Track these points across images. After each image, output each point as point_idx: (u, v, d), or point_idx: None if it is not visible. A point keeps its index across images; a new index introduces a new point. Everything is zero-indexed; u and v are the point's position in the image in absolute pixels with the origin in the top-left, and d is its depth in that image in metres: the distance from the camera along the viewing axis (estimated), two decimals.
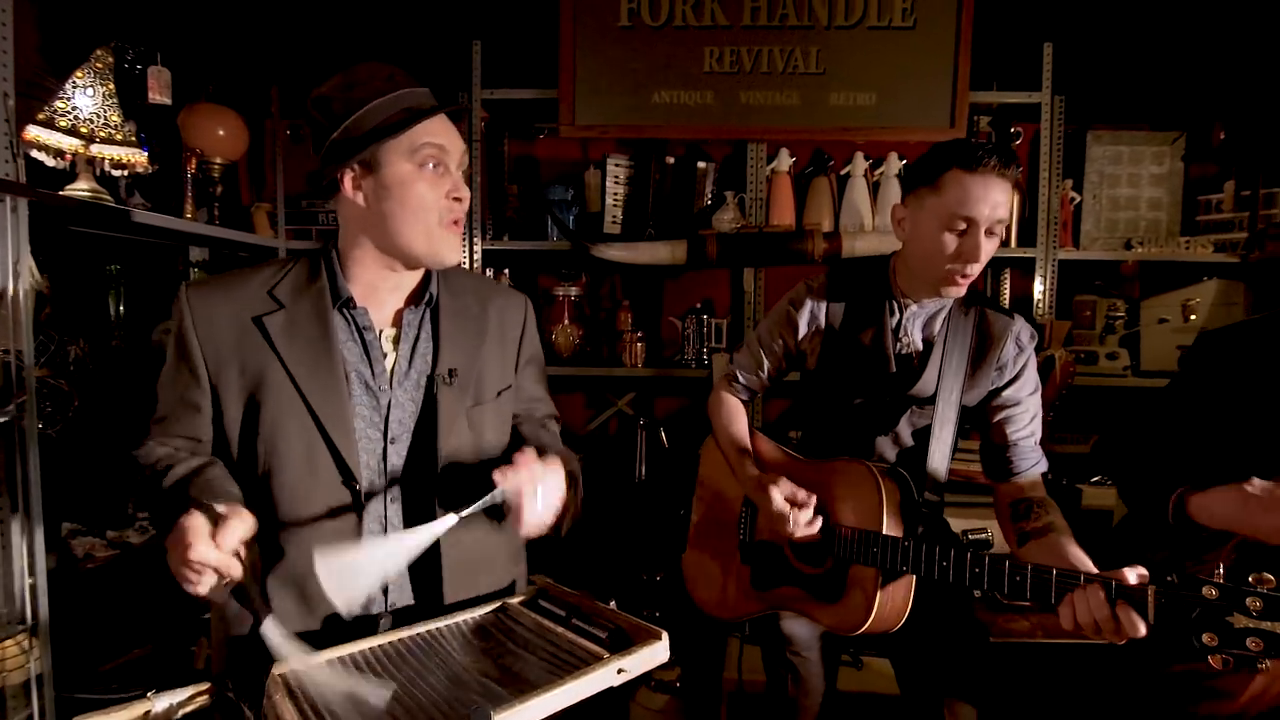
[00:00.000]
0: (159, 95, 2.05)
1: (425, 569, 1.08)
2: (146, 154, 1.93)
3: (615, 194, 2.55)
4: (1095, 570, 1.13)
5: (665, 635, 0.99)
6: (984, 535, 2.37)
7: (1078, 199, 2.48)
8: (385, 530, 1.07)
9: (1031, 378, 1.39)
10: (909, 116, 2.38)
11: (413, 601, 1.10)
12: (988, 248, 1.27)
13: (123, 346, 2.22)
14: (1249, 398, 1.36)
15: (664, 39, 2.43)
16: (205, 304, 1.04)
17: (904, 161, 2.49)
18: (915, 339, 1.40)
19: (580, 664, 0.92)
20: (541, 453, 1.02)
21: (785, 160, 2.49)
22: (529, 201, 2.69)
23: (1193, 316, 2.40)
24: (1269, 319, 1.47)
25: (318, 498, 1.02)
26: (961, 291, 1.33)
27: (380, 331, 1.09)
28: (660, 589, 2.45)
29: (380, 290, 1.09)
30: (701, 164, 2.55)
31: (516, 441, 1.18)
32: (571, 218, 2.59)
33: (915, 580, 1.27)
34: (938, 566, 1.18)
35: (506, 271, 2.77)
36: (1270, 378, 1.34)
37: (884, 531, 1.25)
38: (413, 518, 1.08)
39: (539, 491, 0.96)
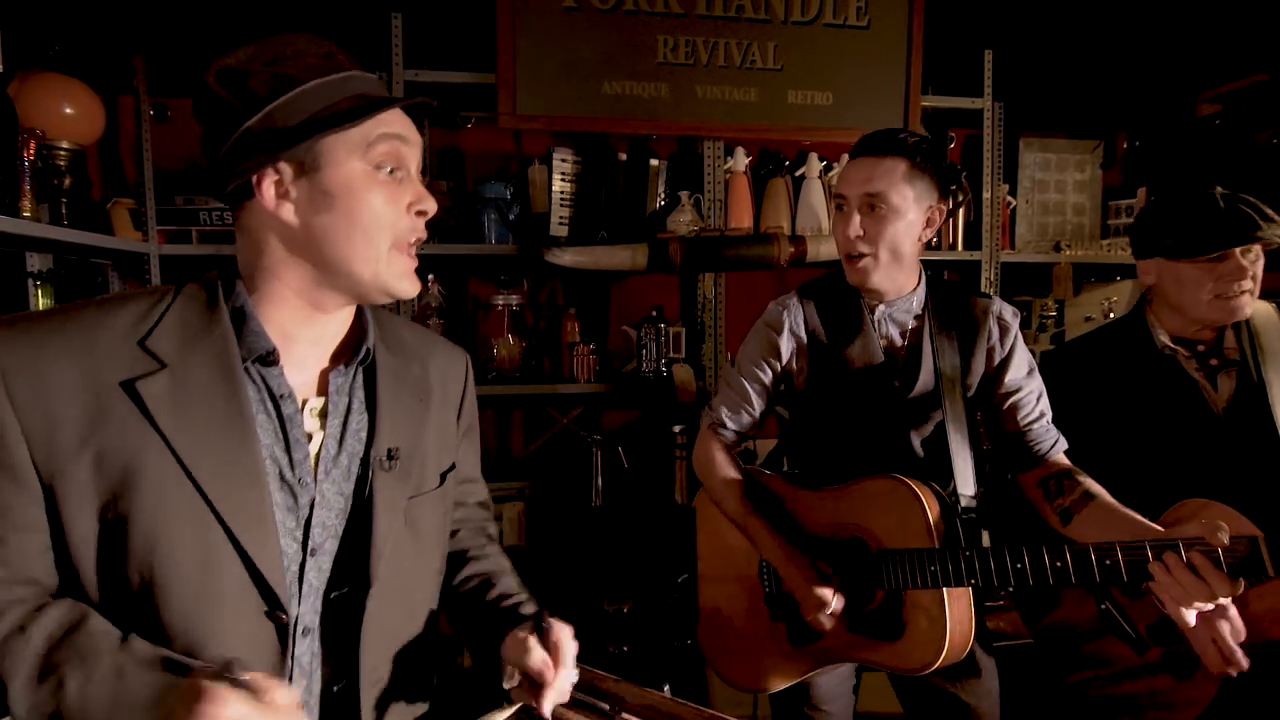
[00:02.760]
0: None
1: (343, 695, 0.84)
2: None
3: (563, 193, 2.32)
4: (1154, 526, 1.09)
5: None
6: None
7: (1013, 203, 2.57)
8: (308, 682, 0.80)
9: (1023, 356, 1.32)
10: (863, 118, 2.34)
11: None
12: (856, 222, 1.25)
13: None
14: (1086, 409, 1.43)
15: (613, 24, 2.22)
16: (29, 361, 0.70)
17: None
18: (894, 337, 1.34)
19: None
20: (525, 617, 0.89)
21: (742, 159, 2.38)
22: (460, 200, 2.39)
23: (1111, 314, 2.55)
24: (1090, 336, 1.58)
25: (218, 637, 0.74)
26: (858, 277, 1.29)
27: (304, 402, 0.81)
28: (628, 620, 2.28)
29: (299, 341, 0.81)
30: (654, 161, 2.37)
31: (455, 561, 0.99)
32: (512, 218, 2.33)
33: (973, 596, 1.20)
34: (1012, 570, 1.09)
35: (432, 277, 2.46)
36: (1097, 389, 1.44)
37: (936, 546, 1.16)
38: (338, 660, 0.82)
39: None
